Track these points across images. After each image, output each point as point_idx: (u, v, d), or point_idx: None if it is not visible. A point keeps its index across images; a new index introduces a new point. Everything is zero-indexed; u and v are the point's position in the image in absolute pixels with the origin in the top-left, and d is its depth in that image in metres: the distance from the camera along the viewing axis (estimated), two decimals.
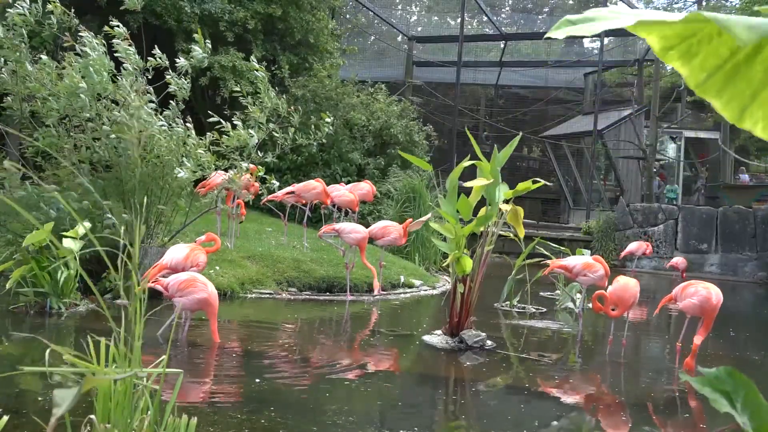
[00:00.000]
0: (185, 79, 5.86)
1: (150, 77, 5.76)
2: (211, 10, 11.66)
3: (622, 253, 11.45)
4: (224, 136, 5.95)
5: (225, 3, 11.90)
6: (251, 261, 6.94)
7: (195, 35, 6.14)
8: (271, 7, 12.61)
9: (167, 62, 5.78)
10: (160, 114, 5.68)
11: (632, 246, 11.34)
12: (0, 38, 5.33)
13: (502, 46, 20.45)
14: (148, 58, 5.73)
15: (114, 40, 5.60)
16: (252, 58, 6.29)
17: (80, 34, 5.56)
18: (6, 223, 5.53)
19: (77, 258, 4.61)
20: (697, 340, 4.53)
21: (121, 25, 5.67)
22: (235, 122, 5.97)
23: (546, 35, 0.95)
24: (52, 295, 4.99)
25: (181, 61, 5.85)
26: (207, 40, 6.16)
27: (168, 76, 5.80)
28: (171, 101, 5.84)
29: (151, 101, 5.62)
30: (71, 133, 5.60)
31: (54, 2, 5.59)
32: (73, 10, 5.75)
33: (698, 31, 0.93)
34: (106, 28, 5.65)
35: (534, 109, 21.87)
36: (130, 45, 5.63)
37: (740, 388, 1.08)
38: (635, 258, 11.63)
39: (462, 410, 3.74)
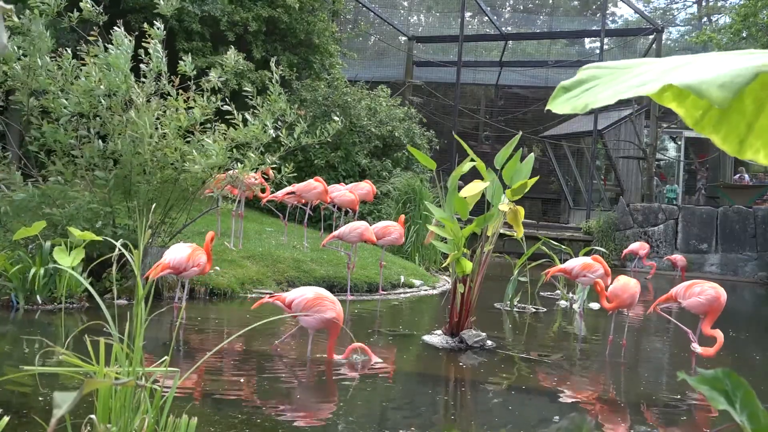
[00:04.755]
0: (216, 96, 5.91)
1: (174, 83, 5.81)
2: (211, 11, 11.67)
3: (624, 252, 11.51)
4: (233, 129, 5.96)
5: (225, 4, 11.91)
6: (251, 261, 6.94)
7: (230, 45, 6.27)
8: (276, 11, 12.63)
9: (194, 71, 5.83)
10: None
11: (634, 245, 11.37)
12: (23, 25, 5.33)
13: (503, 46, 20.44)
14: (178, 64, 5.79)
15: (151, 41, 5.64)
16: (276, 68, 6.30)
17: (116, 27, 5.59)
18: (7, 223, 5.55)
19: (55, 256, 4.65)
20: (719, 335, 4.68)
21: (161, 26, 5.71)
22: (245, 117, 5.99)
23: (546, 107, 0.93)
24: (19, 290, 5.00)
25: (212, 76, 5.94)
26: (231, 47, 6.25)
27: (207, 87, 5.90)
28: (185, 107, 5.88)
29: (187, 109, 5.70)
30: (78, 131, 5.61)
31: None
32: (102, 6, 5.80)
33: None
34: (145, 26, 5.70)
35: (534, 109, 21.86)
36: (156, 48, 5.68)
37: (738, 389, 1.09)
38: (636, 258, 11.66)
39: (462, 410, 3.74)
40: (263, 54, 12.76)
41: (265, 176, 7.66)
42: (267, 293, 6.45)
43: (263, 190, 8.12)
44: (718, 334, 4.67)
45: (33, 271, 5.04)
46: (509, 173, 4.95)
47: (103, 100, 5.44)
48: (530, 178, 4.94)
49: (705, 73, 0.75)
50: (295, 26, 13.27)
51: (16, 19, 5.33)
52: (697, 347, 4.78)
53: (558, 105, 0.90)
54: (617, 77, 0.87)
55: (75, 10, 5.70)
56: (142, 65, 5.64)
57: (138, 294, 2.32)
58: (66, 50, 5.53)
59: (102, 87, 5.41)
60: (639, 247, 11.28)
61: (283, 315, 4.33)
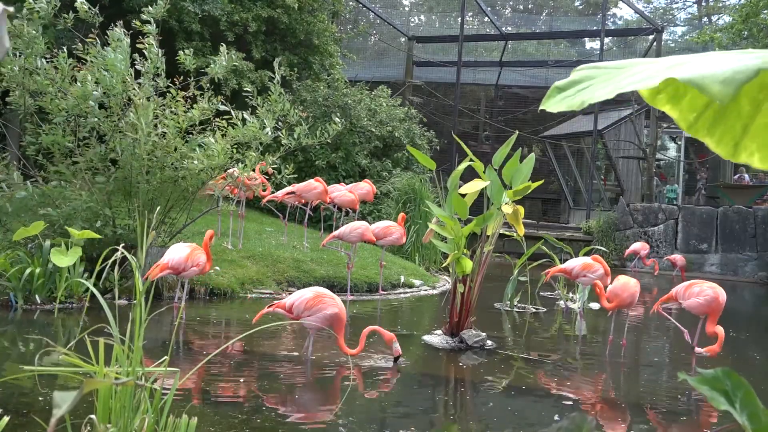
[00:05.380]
0: (217, 98, 5.93)
1: (170, 80, 5.82)
2: (212, 11, 11.67)
3: (626, 252, 11.51)
4: (231, 128, 5.97)
5: (225, 4, 11.91)
6: (251, 261, 6.94)
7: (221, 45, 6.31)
8: (275, 11, 12.64)
9: (194, 65, 5.84)
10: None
11: (636, 245, 11.35)
12: (16, 28, 5.31)
13: (503, 46, 20.44)
14: (177, 59, 5.81)
15: (145, 39, 5.64)
16: (278, 69, 6.28)
17: (115, 28, 5.59)
18: (7, 223, 5.55)
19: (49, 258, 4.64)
20: (719, 330, 4.72)
21: (152, 22, 5.71)
22: (244, 116, 6.00)
23: (540, 107, 0.93)
24: (18, 290, 5.00)
25: (211, 68, 5.99)
26: (223, 45, 6.26)
27: (206, 81, 5.94)
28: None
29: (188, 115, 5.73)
30: (77, 133, 5.61)
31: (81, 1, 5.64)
32: (97, 7, 5.80)
33: None
34: (137, 22, 5.70)
35: (534, 109, 21.85)
36: (151, 45, 5.67)
37: (738, 389, 1.08)
38: (637, 257, 11.65)
39: (462, 410, 3.74)
40: (263, 54, 12.75)
41: (266, 174, 7.66)
42: (267, 293, 6.45)
43: (264, 189, 8.12)
44: (719, 330, 4.70)
45: (30, 270, 5.04)
46: (509, 173, 4.94)
47: (94, 102, 5.42)
48: (530, 178, 4.93)
49: (706, 69, 0.75)
50: (294, 26, 13.27)
51: (11, 24, 5.32)
52: (702, 351, 4.79)
53: (552, 104, 0.90)
54: (613, 77, 0.87)
55: (70, 12, 5.70)
56: (138, 66, 5.64)
57: (140, 294, 2.32)
58: (62, 49, 5.52)
59: (98, 91, 5.39)
60: (641, 247, 11.27)
61: (284, 320, 4.32)
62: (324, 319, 4.12)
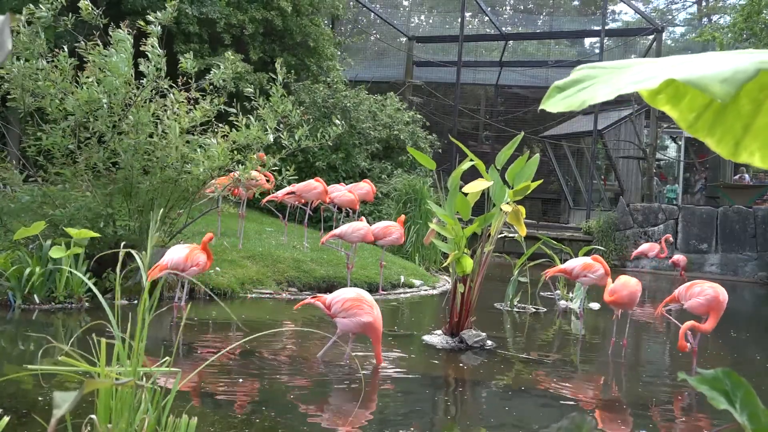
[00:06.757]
0: (219, 99, 5.94)
1: (171, 83, 5.82)
2: (210, 13, 11.68)
3: (633, 254, 11.49)
4: (235, 130, 5.97)
5: (223, 6, 11.92)
6: (251, 261, 6.94)
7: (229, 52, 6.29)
8: (270, 13, 12.64)
9: (195, 68, 5.84)
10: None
11: (644, 247, 11.30)
12: (18, 31, 5.30)
13: (503, 46, 20.44)
14: (177, 66, 5.81)
15: (148, 41, 5.65)
16: (280, 70, 6.26)
17: (119, 30, 5.58)
18: (7, 223, 5.55)
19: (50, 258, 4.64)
20: (707, 325, 4.72)
21: (156, 23, 5.71)
22: (246, 121, 6.00)
23: (540, 107, 0.93)
24: (17, 290, 5.00)
25: (214, 73, 5.97)
26: (228, 50, 6.27)
27: (208, 84, 5.96)
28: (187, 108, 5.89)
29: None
30: (77, 135, 5.60)
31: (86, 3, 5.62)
32: (102, 9, 5.80)
33: None
34: (141, 22, 5.69)
35: (534, 109, 21.83)
36: (153, 47, 5.68)
37: (738, 389, 1.08)
38: (651, 258, 11.61)
39: (462, 410, 3.74)
40: (260, 55, 12.76)
41: (262, 165, 7.67)
42: (267, 293, 6.46)
43: (267, 181, 8.10)
44: (700, 324, 4.72)
45: (29, 269, 5.04)
46: (513, 173, 4.95)
47: (103, 98, 5.43)
48: (533, 179, 4.93)
49: (706, 69, 0.75)
50: (292, 28, 13.28)
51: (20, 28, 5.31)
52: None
53: (552, 104, 0.90)
54: (613, 77, 0.87)
55: (71, 13, 5.68)
56: (142, 67, 5.64)
57: (143, 294, 2.32)
58: (63, 49, 5.51)
59: (103, 97, 5.39)
60: (648, 248, 11.19)
61: (273, 324, 4.32)
62: (356, 325, 4.10)
